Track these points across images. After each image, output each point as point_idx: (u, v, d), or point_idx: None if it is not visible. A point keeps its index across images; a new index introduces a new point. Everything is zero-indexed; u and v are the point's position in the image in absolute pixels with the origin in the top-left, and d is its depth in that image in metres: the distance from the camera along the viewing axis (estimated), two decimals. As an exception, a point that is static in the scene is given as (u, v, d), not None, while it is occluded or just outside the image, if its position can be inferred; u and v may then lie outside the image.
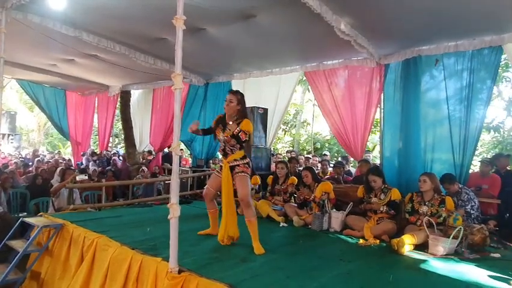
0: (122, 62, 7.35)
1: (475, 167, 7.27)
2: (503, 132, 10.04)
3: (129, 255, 3.20)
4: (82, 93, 11.54)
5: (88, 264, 3.54)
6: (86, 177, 6.14)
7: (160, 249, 3.26)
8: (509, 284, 2.85)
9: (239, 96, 3.58)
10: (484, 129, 7.58)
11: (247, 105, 7.15)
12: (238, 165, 3.52)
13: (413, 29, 4.81)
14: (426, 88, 5.50)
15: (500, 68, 6.57)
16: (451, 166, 5.09)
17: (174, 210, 2.68)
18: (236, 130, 3.49)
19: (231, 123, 3.56)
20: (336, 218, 4.56)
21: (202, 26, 5.28)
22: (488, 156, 8.83)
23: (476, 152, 6.26)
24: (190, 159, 10.57)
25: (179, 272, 2.75)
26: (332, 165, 7.55)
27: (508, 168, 5.72)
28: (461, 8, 4.12)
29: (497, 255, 3.69)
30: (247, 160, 3.61)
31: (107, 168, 9.21)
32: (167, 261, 2.79)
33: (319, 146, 13.50)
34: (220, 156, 3.72)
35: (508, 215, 4.47)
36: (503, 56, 5.04)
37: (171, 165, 8.30)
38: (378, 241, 3.99)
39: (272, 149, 9.95)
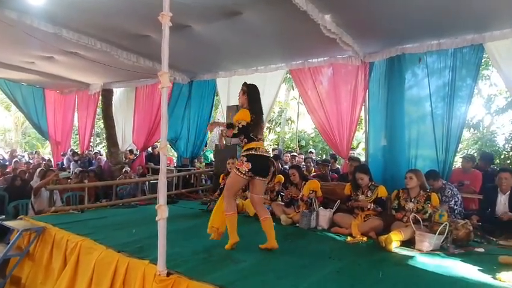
0: (103, 60, 7.16)
1: (457, 163, 7.43)
2: (482, 129, 10.29)
3: (115, 258, 3.11)
4: (61, 92, 11.22)
5: (71, 268, 3.43)
6: (70, 174, 5.96)
7: (147, 251, 3.19)
8: (494, 278, 2.90)
9: (244, 87, 3.58)
10: (465, 126, 7.75)
11: (232, 104, 7.12)
12: (239, 157, 3.52)
13: (398, 27, 4.86)
14: (410, 86, 5.58)
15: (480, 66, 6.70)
16: (434, 162, 5.18)
17: (162, 211, 2.62)
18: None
19: None
20: (324, 216, 4.57)
21: (187, 23, 5.19)
22: (470, 153, 9.07)
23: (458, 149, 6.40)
24: (174, 158, 10.45)
25: (168, 274, 2.69)
26: (317, 163, 7.59)
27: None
28: (444, 6, 4.17)
29: (481, 249, 3.76)
30: (248, 153, 3.41)
31: (90, 168, 8.99)
32: (155, 264, 2.73)
33: (304, 144, 13.55)
34: None
35: (489, 210, 4.56)
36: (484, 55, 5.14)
37: (155, 164, 8.15)
38: (365, 238, 4.02)
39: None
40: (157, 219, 2.64)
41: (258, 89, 3.64)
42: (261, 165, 3.44)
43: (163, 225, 2.65)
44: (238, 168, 3.40)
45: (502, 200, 4.40)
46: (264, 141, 3.62)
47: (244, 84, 3.62)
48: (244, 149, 3.45)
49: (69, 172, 6.06)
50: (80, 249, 3.48)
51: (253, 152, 3.40)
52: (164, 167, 2.67)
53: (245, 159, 3.39)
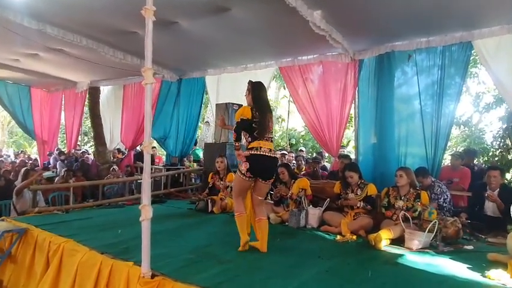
0: (89, 57, 7.02)
1: (446, 160, 7.46)
2: (471, 126, 10.37)
3: (98, 259, 3.02)
4: (48, 90, 11.02)
5: (54, 270, 3.32)
6: (54, 173, 5.81)
7: (133, 252, 3.10)
8: (483, 275, 2.88)
9: (249, 85, 3.51)
10: (454, 124, 7.80)
11: (221, 102, 7.04)
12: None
13: (387, 24, 4.83)
14: (399, 84, 5.58)
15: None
16: (424, 160, 5.18)
17: (146, 211, 2.54)
18: None
19: None
20: (313, 215, 4.53)
21: (174, 19, 5.09)
22: (459, 150, 9.12)
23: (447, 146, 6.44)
24: (163, 157, 10.33)
25: (153, 276, 2.61)
26: (306, 161, 7.56)
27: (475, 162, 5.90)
28: (433, 3, 4.16)
29: (470, 247, 3.77)
30: (250, 152, 3.27)
31: (75, 166, 8.83)
32: (140, 266, 2.65)
33: (294, 142, 13.53)
34: None
35: (477, 207, 4.58)
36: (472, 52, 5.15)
37: (143, 163, 8.01)
38: (355, 237, 3.99)
39: (247, 146, 9.87)
40: (140, 219, 2.56)
41: (264, 85, 3.59)
42: (262, 166, 3.30)
43: (147, 226, 2.57)
44: (239, 169, 3.34)
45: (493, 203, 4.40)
46: (272, 142, 3.47)
47: (249, 82, 3.54)
48: (247, 148, 3.36)
49: (53, 172, 5.90)
50: (63, 251, 3.37)
51: (253, 152, 3.26)
52: (148, 166, 2.59)
53: (244, 159, 3.28)
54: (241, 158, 3.29)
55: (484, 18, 4.47)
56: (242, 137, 3.39)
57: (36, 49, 6.81)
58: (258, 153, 3.26)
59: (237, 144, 3.35)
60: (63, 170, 7.35)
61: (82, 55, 6.95)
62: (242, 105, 7.03)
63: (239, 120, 3.32)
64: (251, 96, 3.45)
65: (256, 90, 3.47)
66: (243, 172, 3.29)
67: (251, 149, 3.30)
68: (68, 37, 5.84)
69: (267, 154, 3.30)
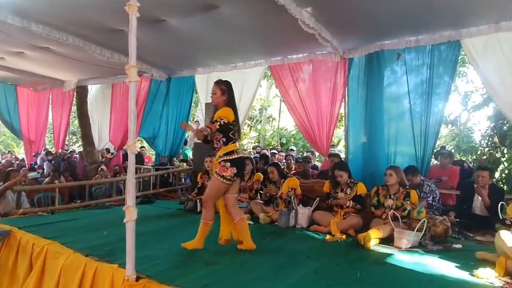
0: (76, 55, 6.90)
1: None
2: (459, 125, 10.46)
3: (82, 262, 2.94)
4: (35, 89, 10.83)
5: (37, 273, 3.23)
6: (39, 174, 5.69)
7: (118, 254, 3.02)
8: (472, 274, 2.88)
9: (223, 85, 3.33)
10: (442, 123, 7.86)
11: (210, 101, 6.97)
12: (220, 162, 3.23)
13: (376, 23, 4.83)
14: (389, 83, 5.58)
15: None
16: (413, 159, 5.19)
17: (130, 213, 2.48)
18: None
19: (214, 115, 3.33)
20: (303, 214, 4.50)
21: (162, 17, 5.03)
22: (447, 149, 9.17)
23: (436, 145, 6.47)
24: (153, 157, 10.23)
25: (137, 279, 2.55)
26: (296, 160, 7.53)
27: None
28: (422, 2, 4.16)
29: (458, 245, 3.77)
30: (233, 157, 3.21)
31: (62, 166, 8.69)
32: (124, 268, 2.58)
33: (284, 141, 13.51)
34: None
35: (466, 206, 4.59)
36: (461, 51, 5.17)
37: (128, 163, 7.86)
38: (344, 236, 3.96)
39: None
40: (125, 221, 2.50)
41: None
42: (243, 167, 3.42)
43: (131, 227, 2.51)
44: (223, 175, 3.19)
45: (479, 196, 4.42)
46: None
47: (221, 82, 3.37)
48: (225, 152, 3.23)
49: (38, 173, 5.78)
50: (46, 254, 3.27)
51: (235, 156, 3.23)
52: (132, 166, 2.53)
53: (229, 164, 3.19)
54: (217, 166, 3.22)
55: (472, 17, 4.48)
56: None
57: (21, 47, 6.68)
58: (240, 156, 3.31)
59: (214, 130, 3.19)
60: (50, 170, 7.21)
61: (68, 53, 6.82)
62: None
63: (222, 122, 3.17)
64: (227, 97, 3.30)
65: (231, 90, 3.36)
66: (228, 178, 3.20)
67: (232, 153, 3.23)
68: (54, 35, 5.72)
69: (243, 155, 3.42)
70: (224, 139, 3.23)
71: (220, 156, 3.24)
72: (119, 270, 2.68)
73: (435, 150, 5.49)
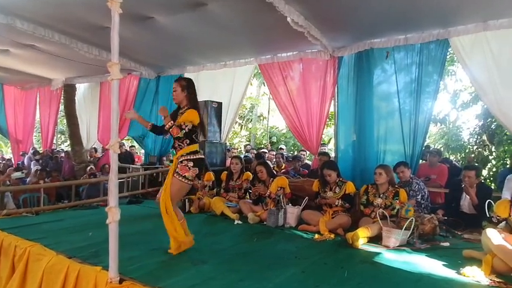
0: (63, 53, 6.77)
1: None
2: (448, 123, 10.53)
3: (65, 264, 2.88)
4: (22, 87, 10.63)
5: (19, 276, 3.16)
6: (23, 174, 5.58)
7: (102, 255, 2.96)
8: (459, 272, 2.88)
9: (183, 82, 3.29)
10: (431, 121, 7.91)
11: (201, 99, 6.91)
12: (182, 161, 3.17)
13: (365, 21, 4.81)
14: (379, 81, 5.57)
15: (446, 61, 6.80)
16: (402, 157, 5.19)
17: (113, 214, 2.43)
18: (175, 122, 3.14)
19: (179, 114, 3.25)
20: (292, 213, 4.48)
21: (149, 14, 4.95)
22: (436, 147, 9.25)
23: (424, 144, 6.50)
24: (143, 156, 10.12)
25: (121, 281, 2.50)
26: (287, 159, 7.51)
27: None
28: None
29: (446, 244, 3.78)
30: (194, 156, 3.19)
31: (50, 165, 8.56)
32: (108, 270, 2.53)
33: (275, 140, 13.49)
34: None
35: (454, 204, 4.61)
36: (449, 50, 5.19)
37: (121, 163, 7.76)
38: (333, 235, 3.95)
39: (228, 144, 9.77)
40: (107, 222, 2.45)
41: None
42: (202, 169, 3.36)
43: (114, 228, 2.46)
44: (185, 175, 3.13)
45: (467, 195, 4.43)
46: None
47: (180, 79, 3.34)
48: (188, 151, 3.18)
49: (22, 173, 5.67)
50: (29, 256, 3.21)
51: (198, 156, 3.21)
52: (115, 166, 2.48)
53: (191, 164, 3.15)
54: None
55: (459, 16, 4.49)
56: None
57: (6, 44, 6.53)
58: (201, 157, 3.29)
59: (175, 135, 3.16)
60: (34, 169, 7.08)
61: (55, 51, 6.70)
62: (221, 103, 7.00)
63: (187, 130, 3.15)
64: (187, 93, 3.25)
65: (194, 88, 3.31)
66: (190, 178, 3.16)
67: (195, 153, 3.20)
68: (39, 32, 5.60)
69: (202, 156, 3.36)
70: (188, 141, 3.21)
71: (182, 155, 3.18)
72: (102, 272, 2.63)
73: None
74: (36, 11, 5.10)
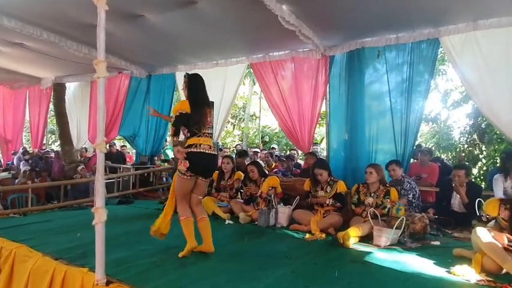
0: (52, 52, 6.68)
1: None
2: (439, 123, 10.60)
3: (52, 266, 2.82)
4: (11, 87, 10.47)
5: (5, 278, 3.10)
6: (10, 174, 5.49)
7: (90, 257, 2.88)
8: (449, 271, 2.89)
9: (185, 78, 3.31)
10: (423, 121, 7.95)
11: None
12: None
13: (356, 20, 4.81)
14: (370, 80, 5.57)
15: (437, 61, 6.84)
16: (393, 156, 5.19)
17: (99, 214, 2.38)
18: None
19: None
20: (283, 213, 4.46)
21: (139, 13, 4.90)
22: (428, 146, 9.30)
23: (416, 143, 6.53)
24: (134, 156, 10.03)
25: (108, 283, 2.46)
26: (279, 158, 7.50)
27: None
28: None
29: (436, 242, 3.79)
30: (187, 150, 3.10)
31: (37, 165, 8.44)
32: (94, 272, 2.49)
33: (267, 140, 13.47)
34: None
35: (444, 203, 4.63)
36: (440, 49, 5.21)
37: (112, 162, 7.67)
38: (324, 235, 3.94)
39: (220, 144, 9.73)
40: (93, 223, 2.40)
41: (202, 78, 3.35)
42: (202, 164, 3.15)
43: (101, 230, 2.42)
44: (179, 169, 3.15)
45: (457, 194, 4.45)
46: (211, 137, 3.30)
47: (186, 75, 3.35)
48: (186, 145, 3.15)
49: (9, 173, 5.57)
50: (14, 257, 3.15)
51: (193, 150, 3.09)
52: (101, 167, 2.44)
53: (184, 156, 3.11)
54: (181, 155, 3.09)
55: (449, 15, 4.49)
56: (181, 132, 3.21)
57: (-6, 43, 6.44)
58: (198, 150, 3.10)
59: (174, 139, 3.18)
60: (22, 170, 6.98)
61: (44, 49, 6.61)
62: (213, 102, 6.94)
63: (177, 114, 3.12)
64: (188, 89, 3.28)
65: (193, 82, 3.29)
66: (182, 172, 3.12)
67: (190, 146, 3.13)
68: (28, 30, 5.52)
69: (206, 151, 3.15)
70: (188, 134, 3.18)
71: (185, 148, 3.17)
72: (89, 274, 2.59)
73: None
74: (24, 9, 5.02)
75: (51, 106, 10.00)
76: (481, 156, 8.58)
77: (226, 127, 13.82)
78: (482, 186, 6.36)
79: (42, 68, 8.33)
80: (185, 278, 2.62)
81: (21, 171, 6.80)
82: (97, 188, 2.43)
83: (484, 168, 8.38)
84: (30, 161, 9.12)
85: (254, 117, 15.12)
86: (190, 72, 3.40)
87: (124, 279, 2.56)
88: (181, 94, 7.71)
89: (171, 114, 3.19)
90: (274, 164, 6.94)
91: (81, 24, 5.35)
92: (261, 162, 6.52)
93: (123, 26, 5.30)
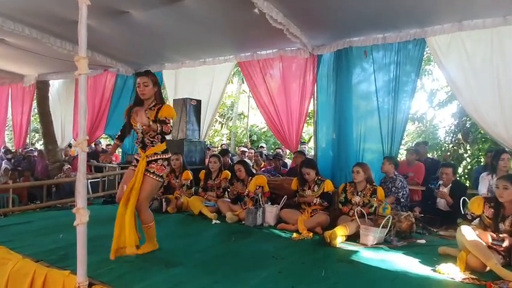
0: (35, 48, 6.51)
1: (402, 155, 7.64)
2: (425, 122, 10.71)
3: (32, 268, 2.74)
4: (-7, 84, 10.22)
5: (-17, 281, 3.00)
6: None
7: (72, 259, 2.80)
8: (434, 270, 2.90)
9: (154, 77, 3.20)
10: (409, 120, 8.02)
11: (180, 97, 6.80)
12: (156, 160, 3.09)
13: (343, 19, 4.80)
14: (358, 80, 5.58)
15: (423, 61, 6.91)
16: (381, 155, 5.22)
17: (81, 215, 2.32)
18: (156, 117, 3.04)
19: (147, 110, 3.12)
20: (270, 212, 4.43)
21: (124, 9, 4.79)
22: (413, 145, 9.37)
23: (402, 142, 6.57)
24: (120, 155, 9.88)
25: (90, 285, 2.40)
26: (267, 157, 7.47)
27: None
28: (387, -1, 4.17)
29: (422, 241, 3.82)
30: (168, 155, 3.21)
31: (20, 164, 8.25)
32: (76, 274, 2.42)
33: (255, 139, 13.44)
34: (138, 149, 3.19)
35: (430, 201, 4.67)
36: (426, 50, 5.25)
37: (98, 162, 7.52)
38: (311, 234, 3.93)
39: (208, 143, 9.65)
40: (75, 224, 2.34)
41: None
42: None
43: (82, 231, 2.35)
44: (160, 174, 3.11)
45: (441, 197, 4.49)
46: None
47: (150, 73, 3.20)
48: (162, 150, 3.13)
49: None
50: (-7, 260, 3.06)
51: (169, 155, 3.25)
52: (83, 167, 2.37)
53: (166, 162, 3.15)
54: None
55: (436, 15, 4.53)
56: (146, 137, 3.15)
57: (-27, 39, 6.24)
58: (170, 155, 3.29)
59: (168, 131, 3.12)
60: (3, 168, 6.80)
61: (26, 46, 6.43)
62: (201, 100, 6.89)
63: (171, 124, 3.12)
64: (157, 91, 3.19)
65: (159, 84, 3.28)
66: (164, 176, 3.22)
67: (167, 151, 3.20)
68: (8, 26, 5.35)
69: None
70: (160, 137, 3.14)
71: (156, 153, 3.11)
72: (70, 276, 2.52)
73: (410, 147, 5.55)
74: (4, 3, 4.86)
75: (34, 104, 9.81)
76: (465, 155, 8.69)
77: (214, 126, 13.74)
78: (467, 184, 6.44)
79: (25, 64, 8.13)
80: (169, 281, 2.56)
81: (3, 170, 6.62)
82: (77, 188, 2.37)
83: (469, 167, 8.49)
84: (12, 161, 8.92)
85: (242, 116, 15.06)
86: (146, 70, 3.34)
87: (106, 281, 2.50)
88: (167, 92, 7.66)
89: (165, 117, 3.06)
90: (263, 163, 6.91)
91: (64, 20, 5.22)
92: (249, 161, 6.51)
93: (108, 23, 5.19)
